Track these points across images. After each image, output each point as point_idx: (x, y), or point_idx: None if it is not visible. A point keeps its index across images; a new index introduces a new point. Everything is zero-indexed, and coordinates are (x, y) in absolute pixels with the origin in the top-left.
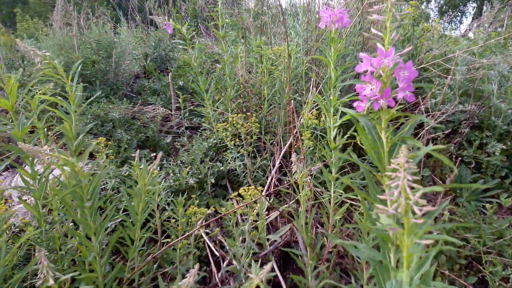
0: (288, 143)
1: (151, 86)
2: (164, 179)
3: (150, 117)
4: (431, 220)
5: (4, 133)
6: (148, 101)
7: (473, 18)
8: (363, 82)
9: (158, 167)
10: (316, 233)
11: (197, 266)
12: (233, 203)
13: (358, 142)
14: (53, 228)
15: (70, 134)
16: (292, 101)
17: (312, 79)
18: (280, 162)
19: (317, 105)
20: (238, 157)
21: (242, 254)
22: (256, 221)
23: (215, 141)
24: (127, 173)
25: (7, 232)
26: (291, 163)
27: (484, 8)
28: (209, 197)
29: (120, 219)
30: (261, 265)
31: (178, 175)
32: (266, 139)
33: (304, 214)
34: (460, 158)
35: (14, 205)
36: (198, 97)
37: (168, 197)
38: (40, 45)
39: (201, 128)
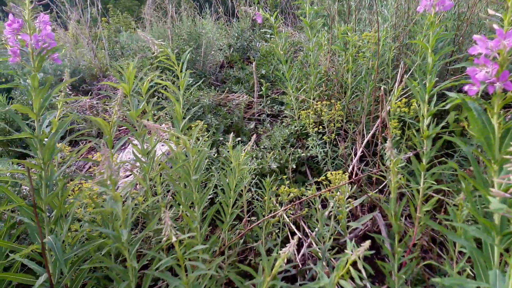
0: (372, 132)
1: (235, 74)
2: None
3: (235, 104)
4: None
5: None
6: (232, 89)
7: None
8: (476, 65)
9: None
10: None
11: (293, 240)
12: (318, 187)
13: (452, 123)
14: (157, 201)
15: (179, 116)
16: (382, 87)
17: (401, 66)
18: (362, 151)
19: (405, 93)
20: (319, 144)
21: (324, 237)
22: (338, 207)
23: (296, 128)
24: (215, 155)
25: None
26: (374, 152)
27: None
28: (290, 182)
29: (215, 193)
30: (338, 252)
31: (261, 159)
32: (349, 127)
33: (395, 201)
34: None
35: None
36: (280, 85)
37: (253, 179)
38: (137, 37)
39: (281, 116)
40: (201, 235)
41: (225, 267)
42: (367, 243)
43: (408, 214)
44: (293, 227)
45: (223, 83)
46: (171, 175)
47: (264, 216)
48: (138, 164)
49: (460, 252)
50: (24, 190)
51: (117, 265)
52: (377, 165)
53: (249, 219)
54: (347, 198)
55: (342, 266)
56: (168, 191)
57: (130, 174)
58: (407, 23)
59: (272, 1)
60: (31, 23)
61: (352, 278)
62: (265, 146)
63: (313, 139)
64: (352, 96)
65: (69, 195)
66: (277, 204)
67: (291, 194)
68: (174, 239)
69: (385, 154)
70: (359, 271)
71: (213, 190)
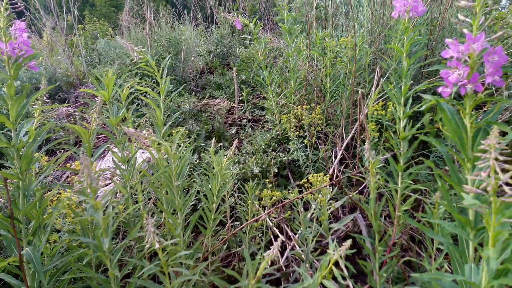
0: (351, 134)
1: (216, 80)
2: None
3: (216, 110)
4: None
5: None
6: (213, 95)
7: None
8: (448, 67)
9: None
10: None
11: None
12: (300, 190)
13: (427, 124)
14: (138, 209)
15: (160, 122)
16: (360, 91)
17: (377, 70)
18: (342, 154)
19: (382, 96)
20: (300, 148)
21: (307, 239)
22: (320, 209)
23: (277, 132)
24: (197, 161)
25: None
26: (353, 154)
27: None
28: (272, 186)
29: (197, 199)
30: (321, 254)
31: (243, 164)
32: (328, 131)
33: (374, 201)
34: None
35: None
36: (262, 90)
37: (235, 184)
38: (115, 44)
39: (262, 121)
40: (184, 241)
41: (209, 273)
42: (348, 242)
43: (388, 214)
44: (276, 230)
45: (203, 89)
46: (152, 182)
47: (247, 220)
48: (118, 172)
49: (438, 249)
50: None
51: (99, 275)
52: (356, 166)
53: (232, 224)
54: (329, 200)
55: (325, 266)
56: (149, 199)
57: (110, 183)
58: (382, 28)
59: (251, 8)
60: (6, 31)
61: (335, 278)
62: (247, 151)
63: (294, 143)
64: (331, 100)
65: (47, 205)
66: (260, 208)
67: (274, 198)
68: (157, 245)
69: (364, 156)
70: (342, 271)
71: (195, 196)
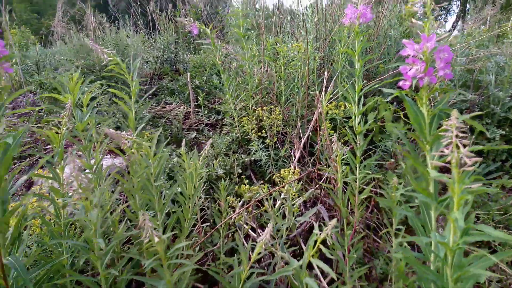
0: (307, 134)
1: (169, 86)
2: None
3: (172, 115)
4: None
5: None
6: (167, 101)
7: (457, 16)
8: (407, 64)
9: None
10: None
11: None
12: (269, 186)
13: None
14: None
15: (132, 124)
16: (316, 92)
17: (325, 73)
18: (300, 152)
19: (332, 97)
20: (261, 149)
21: (279, 231)
22: (292, 202)
23: (237, 134)
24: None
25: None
26: (310, 152)
27: (468, 5)
28: (237, 186)
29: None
30: (290, 247)
31: (207, 166)
32: (287, 131)
33: (341, 189)
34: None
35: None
36: (219, 94)
37: (202, 187)
38: (53, 50)
39: (219, 125)
40: (163, 243)
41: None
42: (334, 221)
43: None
44: (248, 228)
45: (154, 95)
46: (133, 186)
47: (221, 220)
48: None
49: (395, 234)
50: None
51: (89, 278)
52: (317, 162)
53: (202, 225)
54: (294, 195)
55: (312, 246)
56: (118, 205)
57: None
58: (327, 35)
59: (194, 15)
60: None
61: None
62: (208, 155)
63: (256, 144)
64: (287, 102)
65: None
66: (229, 208)
67: (252, 192)
68: (156, 239)
69: (321, 153)
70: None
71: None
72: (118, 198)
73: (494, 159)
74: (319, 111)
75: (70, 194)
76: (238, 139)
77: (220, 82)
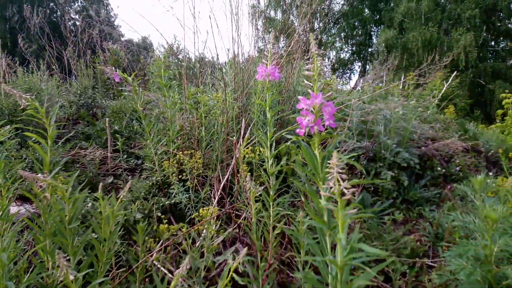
0: (226, 176)
1: (85, 131)
2: None
3: (88, 160)
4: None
5: None
6: (82, 146)
7: (359, 75)
8: (301, 115)
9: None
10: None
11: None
12: (188, 226)
13: (285, 164)
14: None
15: (47, 168)
16: (234, 137)
17: (243, 121)
18: (220, 194)
19: (249, 142)
20: (182, 192)
21: (197, 271)
22: (211, 240)
23: (157, 178)
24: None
25: None
26: (229, 194)
27: (368, 66)
28: (156, 228)
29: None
30: (208, 287)
31: (125, 211)
32: (208, 174)
33: (255, 223)
34: (361, 185)
35: None
36: (141, 139)
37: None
38: None
39: (139, 169)
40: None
41: None
42: (245, 250)
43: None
44: (165, 270)
45: (68, 141)
46: (43, 231)
47: (136, 261)
48: None
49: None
50: None
51: None
52: (234, 203)
53: (117, 271)
54: (213, 236)
55: (225, 276)
56: (25, 252)
57: None
58: (244, 87)
59: (114, 62)
60: None
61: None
62: (127, 198)
63: (176, 187)
64: (207, 147)
65: None
66: (147, 252)
67: (170, 231)
68: (71, 277)
69: (240, 195)
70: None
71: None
72: (28, 242)
73: (387, 197)
74: (237, 156)
75: None
76: (158, 183)
77: (141, 127)
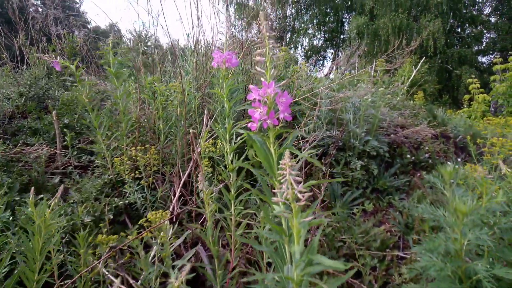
0: (187, 172)
1: (31, 125)
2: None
3: (33, 158)
4: (313, 207)
5: None
6: (28, 142)
7: (332, 62)
8: (253, 107)
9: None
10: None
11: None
12: (139, 231)
13: (252, 157)
14: None
15: None
16: (191, 131)
17: (205, 112)
18: (180, 191)
19: (212, 135)
20: (137, 190)
21: (150, 281)
22: (162, 248)
23: (110, 177)
24: (10, 218)
25: None
26: (191, 191)
27: (340, 53)
28: (108, 234)
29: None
30: None
31: (71, 214)
32: (165, 170)
33: (211, 228)
34: (331, 175)
35: None
36: (88, 134)
37: (63, 239)
38: None
39: (91, 166)
40: None
41: None
42: (188, 267)
43: (227, 242)
44: (115, 279)
45: (14, 135)
46: None
47: (78, 273)
48: None
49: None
50: None
51: None
52: (194, 201)
53: (61, 283)
54: (170, 238)
55: None
56: None
57: None
58: (206, 76)
59: (70, 50)
60: None
61: None
62: (75, 200)
63: (130, 186)
64: (166, 141)
65: None
66: (95, 260)
67: (110, 242)
68: None
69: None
70: None
71: (11, 258)
72: None
73: (357, 187)
74: (198, 150)
75: None
76: (112, 182)
77: (89, 122)
